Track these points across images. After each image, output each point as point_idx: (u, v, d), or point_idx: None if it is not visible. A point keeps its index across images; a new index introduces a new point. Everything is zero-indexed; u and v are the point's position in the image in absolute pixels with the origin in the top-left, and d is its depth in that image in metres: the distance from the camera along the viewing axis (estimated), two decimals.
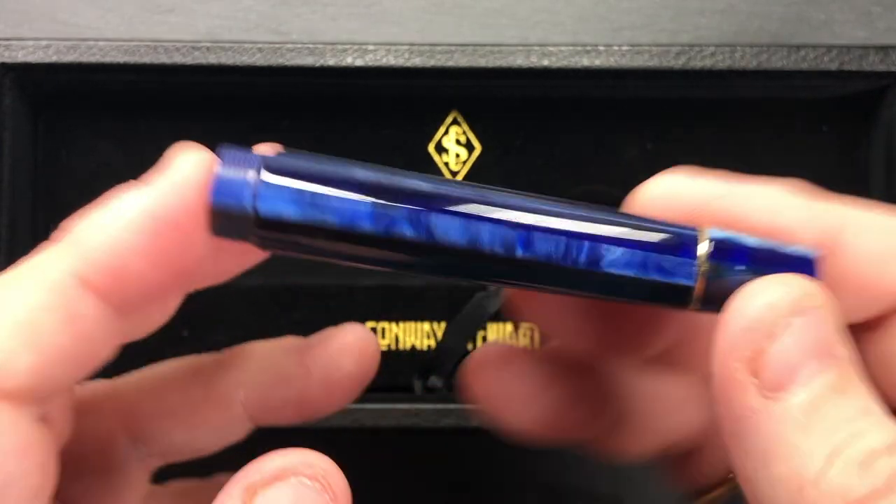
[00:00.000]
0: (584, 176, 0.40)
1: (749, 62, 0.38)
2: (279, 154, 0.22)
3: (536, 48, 0.37)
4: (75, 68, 0.37)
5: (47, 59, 0.37)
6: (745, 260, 0.22)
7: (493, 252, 0.21)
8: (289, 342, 0.28)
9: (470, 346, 0.40)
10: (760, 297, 0.20)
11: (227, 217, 0.21)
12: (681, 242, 0.22)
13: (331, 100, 0.39)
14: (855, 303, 0.23)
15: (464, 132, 0.40)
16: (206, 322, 0.39)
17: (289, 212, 0.21)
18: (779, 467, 0.19)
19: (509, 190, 0.22)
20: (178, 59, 0.37)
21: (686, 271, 0.22)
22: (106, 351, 0.22)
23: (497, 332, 0.40)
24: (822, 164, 0.40)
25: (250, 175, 0.21)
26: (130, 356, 0.39)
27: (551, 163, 0.40)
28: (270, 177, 0.21)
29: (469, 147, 0.40)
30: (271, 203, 0.21)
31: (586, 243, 0.22)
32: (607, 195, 0.40)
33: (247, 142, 0.39)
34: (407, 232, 0.21)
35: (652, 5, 0.46)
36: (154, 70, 0.37)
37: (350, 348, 0.27)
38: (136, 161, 0.40)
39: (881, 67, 0.38)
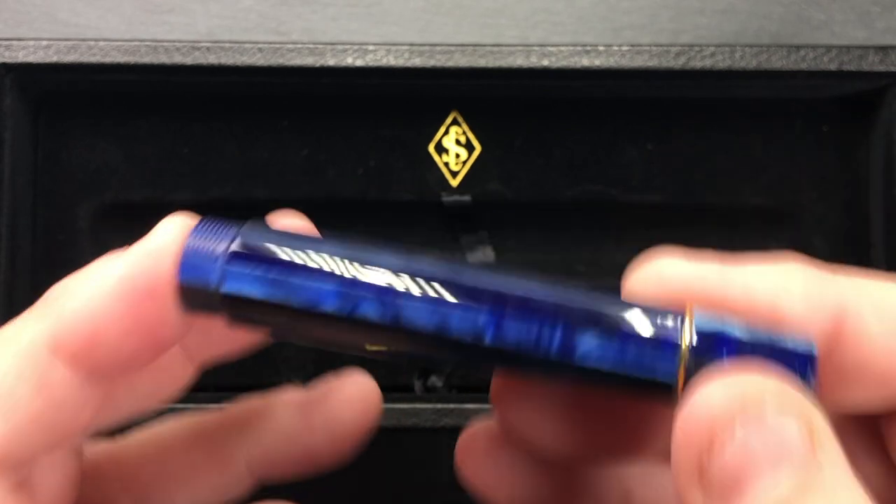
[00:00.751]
0: (583, 176, 0.40)
1: (749, 62, 0.38)
2: (251, 229, 0.21)
3: (536, 48, 0.37)
4: (76, 68, 0.37)
5: (48, 60, 0.37)
6: (733, 353, 0.19)
7: (460, 338, 0.20)
8: (291, 397, 0.28)
9: None
10: (702, 401, 0.18)
11: (193, 292, 0.21)
12: (662, 334, 0.20)
13: (331, 100, 0.39)
14: (867, 393, 0.21)
15: (464, 132, 0.40)
16: None
17: (253, 291, 0.21)
18: None
19: (482, 265, 0.22)
20: (178, 59, 0.37)
21: (666, 368, 0.19)
22: (84, 417, 0.22)
23: None
24: (821, 164, 0.40)
25: (218, 251, 0.21)
26: None
27: (551, 163, 0.40)
28: (236, 256, 0.21)
29: (469, 147, 0.40)
30: (236, 283, 0.21)
31: (558, 332, 0.20)
32: (607, 195, 0.40)
33: (247, 142, 0.40)
34: (372, 315, 0.20)
35: (652, 5, 0.46)
36: (154, 70, 0.37)
37: (352, 400, 0.27)
38: (137, 161, 0.40)
39: (881, 67, 0.38)
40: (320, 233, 0.22)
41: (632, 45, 0.38)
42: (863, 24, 0.46)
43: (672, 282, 0.21)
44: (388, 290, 0.20)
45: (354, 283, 0.21)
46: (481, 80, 0.38)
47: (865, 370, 0.20)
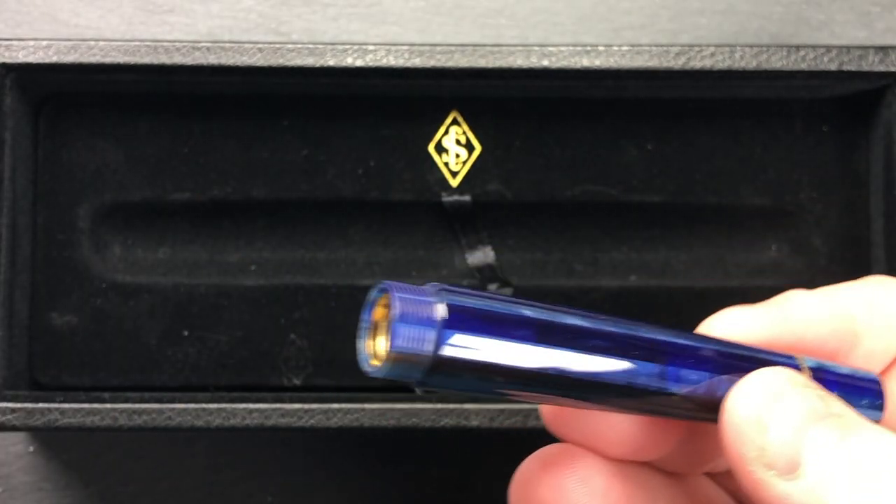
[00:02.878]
0: (583, 176, 0.40)
1: (749, 62, 0.38)
2: (453, 304, 0.21)
3: (536, 48, 0.37)
4: (76, 69, 0.37)
5: (48, 60, 0.37)
6: (835, 388, 0.24)
7: (646, 387, 0.22)
8: None
9: None
10: (741, 400, 0.22)
11: (404, 359, 0.21)
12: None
13: (331, 100, 0.39)
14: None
15: (464, 132, 0.40)
16: (206, 322, 0.39)
17: (468, 354, 0.21)
18: None
19: (651, 323, 0.23)
20: (178, 59, 0.37)
21: None
22: None
23: None
24: (821, 164, 0.40)
25: (434, 315, 0.21)
26: (132, 356, 0.39)
27: (551, 163, 0.40)
28: (453, 318, 0.21)
29: (469, 147, 0.40)
30: (451, 353, 0.21)
31: (724, 380, 0.23)
32: (607, 195, 0.40)
33: (247, 142, 0.40)
34: (575, 375, 0.22)
35: (652, 6, 0.46)
36: (154, 70, 0.37)
37: None
38: (137, 161, 0.40)
39: (880, 67, 0.38)
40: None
41: (632, 46, 0.38)
42: (863, 25, 0.46)
43: (739, 332, 0.24)
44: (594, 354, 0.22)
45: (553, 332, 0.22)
46: (481, 80, 0.38)
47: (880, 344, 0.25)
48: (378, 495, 0.44)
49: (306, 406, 0.36)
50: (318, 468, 0.44)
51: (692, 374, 0.23)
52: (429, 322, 0.20)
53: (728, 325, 0.24)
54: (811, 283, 0.40)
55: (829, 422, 0.21)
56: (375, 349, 0.21)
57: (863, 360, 0.26)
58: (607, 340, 0.22)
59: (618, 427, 0.24)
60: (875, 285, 0.26)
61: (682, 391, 0.23)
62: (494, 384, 0.21)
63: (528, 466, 0.25)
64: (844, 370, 0.25)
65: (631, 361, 0.22)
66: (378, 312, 0.21)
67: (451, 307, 0.21)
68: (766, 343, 0.24)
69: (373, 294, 0.21)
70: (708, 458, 0.26)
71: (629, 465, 0.25)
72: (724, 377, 0.23)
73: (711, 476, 0.27)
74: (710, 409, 0.23)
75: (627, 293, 0.40)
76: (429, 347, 0.20)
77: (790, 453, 0.21)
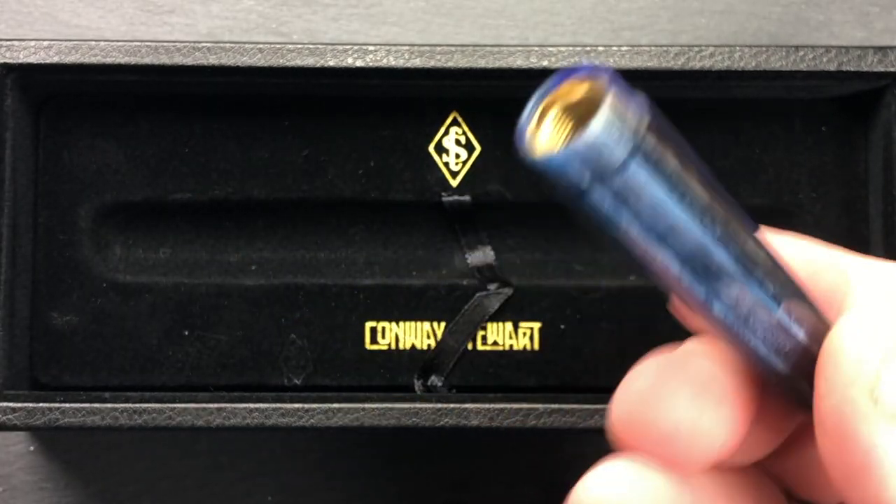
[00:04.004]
0: None
1: (748, 63, 0.38)
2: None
3: (536, 49, 0.38)
4: (76, 69, 0.37)
5: (48, 60, 0.37)
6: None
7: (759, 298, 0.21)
8: None
9: (470, 346, 0.40)
10: (871, 329, 0.21)
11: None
12: None
13: (331, 100, 0.40)
14: None
15: (464, 132, 0.40)
16: (206, 322, 0.39)
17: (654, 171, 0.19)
18: None
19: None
20: (178, 59, 0.37)
21: None
22: None
23: (497, 332, 0.40)
24: (820, 165, 0.40)
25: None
26: (132, 356, 0.39)
27: None
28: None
29: (469, 147, 0.40)
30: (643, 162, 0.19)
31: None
32: None
33: (247, 142, 0.40)
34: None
35: (651, 6, 0.46)
36: (155, 71, 0.37)
37: None
38: (137, 161, 0.40)
39: (880, 68, 0.38)
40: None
41: (631, 46, 0.38)
42: (862, 25, 0.46)
43: None
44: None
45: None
46: (481, 80, 0.38)
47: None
48: (378, 495, 0.44)
49: (306, 406, 0.36)
50: (318, 468, 0.44)
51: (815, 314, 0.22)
52: (635, 126, 0.18)
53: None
54: None
55: None
56: (550, 134, 0.19)
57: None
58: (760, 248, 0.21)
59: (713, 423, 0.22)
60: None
61: (795, 325, 0.21)
62: (660, 223, 0.19)
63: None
64: None
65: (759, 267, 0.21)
66: (570, 91, 0.19)
67: (652, 124, 0.19)
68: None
69: (562, 73, 0.19)
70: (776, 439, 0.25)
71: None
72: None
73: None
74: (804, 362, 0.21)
75: (627, 293, 0.40)
76: (622, 153, 0.18)
77: None
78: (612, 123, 0.18)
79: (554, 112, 0.19)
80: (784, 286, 0.21)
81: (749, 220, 0.21)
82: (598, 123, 0.18)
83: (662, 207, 0.19)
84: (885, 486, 0.19)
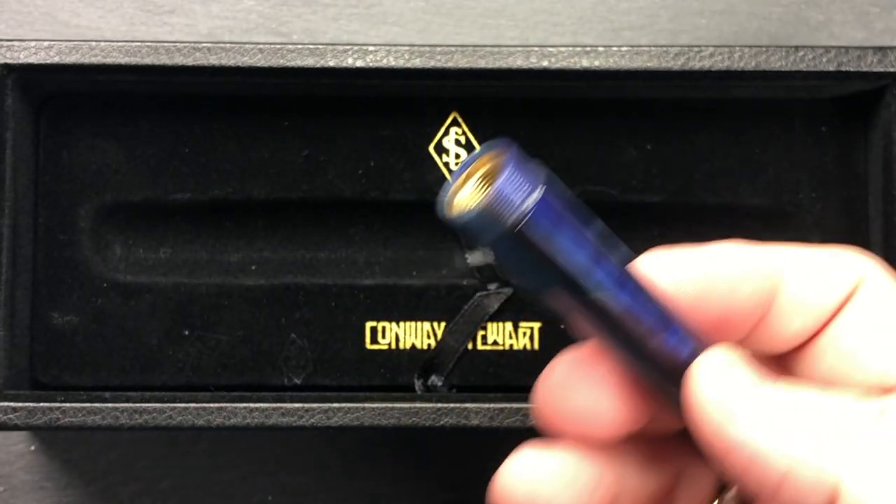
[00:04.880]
0: (583, 176, 0.40)
1: (748, 63, 0.38)
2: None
3: (536, 49, 0.38)
4: (77, 69, 0.37)
5: (49, 60, 0.37)
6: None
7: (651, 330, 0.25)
8: None
9: (470, 346, 0.40)
10: (710, 360, 0.25)
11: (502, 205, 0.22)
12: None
13: (331, 100, 0.40)
14: (801, 328, 0.27)
15: (464, 133, 0.40)
16: (206, 322, 0.39)
17: (551, 230, 0.23)
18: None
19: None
20: (179, 60, 0.37)
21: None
22: None
23: (497, 332, 0.40)
24: (820, 165, 0.40)
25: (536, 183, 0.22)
26: (133, 356, 0.39)
27: (551, 163, 0.40)
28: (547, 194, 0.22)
29: (469, 147, 0.40)
30: (537, 222, 0.22)
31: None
32: (607, 195, 0.40)
33: (247, 142, 0.40)
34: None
35: (651, 6, 0.46)
36: (155, 71, 0.37)
37: None
38: (137, 161, 0.40)
39: (879, 68, 0.38)
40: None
41: (631, 46, 0.38)
42: (861, 25, 0.46)
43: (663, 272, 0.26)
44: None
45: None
46: (481, 80, 0.38)
47: (800, 305, 0.26)
48: (378, 495, 0.45)
49: (306, 406, 0.36)
50: (318, 468, 0.44)
51: (684, 339, 0.25)
52: (531, 187, 0.22)
53: (656, 266, 0.26)
54: None
55: (776, 384, 0.25)
56: (462, 197, 0.22)
57: (776, 328, 0.27)
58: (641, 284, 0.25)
59: (604, 403, 0.26)
60: (821, 257, 0.27)
61: (669, 348, 0.25)
62: (546, 274, 0.23)
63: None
64: None
65: (650, 304, 0.25)
66: (484, 162, 0.22)
67: (548, 187, 0.22)
68: (691, 291, 0.26)
69: (488, 145, 0.23)
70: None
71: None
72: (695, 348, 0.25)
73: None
74: (677, 372, 0.25)
75: None
76: (520, 210, 0.22)
77: (749, 399, 0.25)
78: (507, 189, 0.22)
79: (472, 180, 0.22)
80: (650, 314, 0.25)
81: (629, 256, 0.25)
82: (494, 190, 0.21)
83: (555, 254, 0.23)
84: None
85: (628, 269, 0.25)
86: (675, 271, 0.26)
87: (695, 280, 0.26)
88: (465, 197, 0.22)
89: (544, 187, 0.22)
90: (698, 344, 0.26)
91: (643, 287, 0.25)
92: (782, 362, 0.28)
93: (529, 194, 0.22)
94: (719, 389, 0.25)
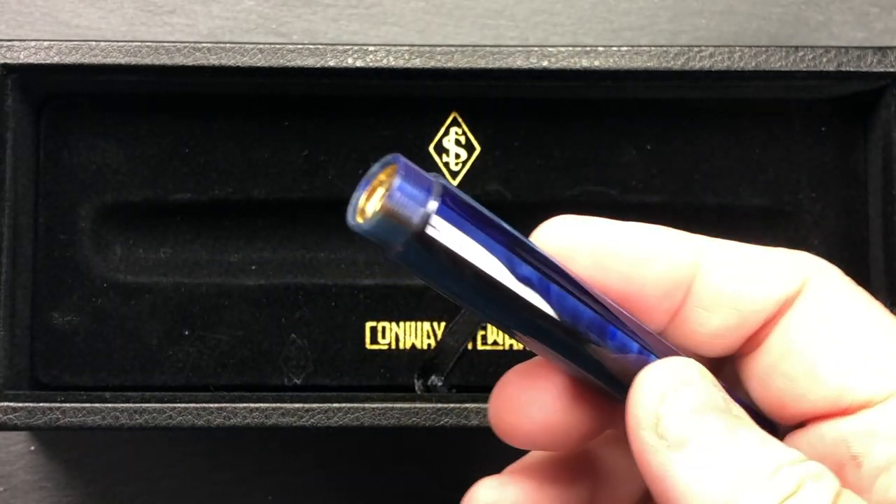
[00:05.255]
0: (583, 176, 0.40)
1: (747, 63, 0.38)
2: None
3: (536, 49, 0.38)
4: (77, 69, 0.37)
5: (49, 60, 0.37)
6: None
7: (587, 334, 0.24)
8: None
9: (470, 346, 0.40)
10: (654, 373, 0.24)
11: (400, 215, 0.22)
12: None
13: (331, 100, 0.40)
14: (722, 326, 0.25)
15: (463, 133, 0.40)
16: (206, 322, 0.39)
17: (454, 236, 0.22)
18: None
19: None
20: (179, 60, 0.37)
21: None
22: None
23: (497, 332, 0.40)
24: (820, 165, 0.40)
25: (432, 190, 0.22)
26: (133, 356, 0.39)
27: (551, 163, 0.40)
28: (446, 201, 0.22)
29: (469, 147, 0.40)
30: (438, 226, 0.22)
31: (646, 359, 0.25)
32: (607, 195, 0.40)
33: (247, 142, 0.40)
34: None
35: (651, 6, 0.46)
36: (155, 71, 0.37)
37: None
38: (137, 161, 0.40)
39: (879, 68, 0.38)
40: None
41: (631, 46, 0.38)
42: (861, 25, 0.46)
43: (569, 239, 0.25)
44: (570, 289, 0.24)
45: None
46: (481, 80, 0.38)
47: (720, 298, 0.25)
48: (378, 495, 0.45)
49: (306, 406, 0.36)
50: (318, 468, 0.44)
51: (627, 342, 0.24)
52: (428, 191, 0.22)
53: (555, 230, 0.25)
54: None
55: (724, 416, 0.23)
56: (367, 206, 0.22)
57: (694, 323, 0.25)
58: (570, 284, 0.24)
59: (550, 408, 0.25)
60: (750, 253, 0.26)
61: (613, 353, 0.24)
62: (463, 278, 0.22)
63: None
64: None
65: (581, 305, 0.24)
66: (381, 176, 0.22)
67: (447, 190, 0.22)
68: (586, 260, 0.25)
69: (381, 161, 0.22)
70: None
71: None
72: (650, 356, 0.25)
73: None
74: (626, 378, 0.24)
75: None
76: (421, 212, 0.21)
77: (683, 429, 0.23)
78: (406, 193, 0.22)
79: (378, 192, 0.22)
80: (582, 315, 0.24)
81: (550, 263, 0.24)
82: (393, 195, 0.21)
83: (465, 257, 0.22)
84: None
85: (550, 268, 0.24)
86: (573, 237, 0.25)
87: (592, 250, 0.25)
88: (369, 207, 0.22)
89: (442, 191, 0.22)
90: (644, 348, 0.24)
91: (571, 285, 0.24)
92: (740, 366, 0.26)
93: (428, 198, 0.22)
94: (661, 410, 0.23)
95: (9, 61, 0.37)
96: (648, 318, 0.25)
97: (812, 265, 0.25)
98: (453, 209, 0.22)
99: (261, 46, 0.37)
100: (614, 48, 0.38)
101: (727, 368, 0.27)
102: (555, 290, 0.23)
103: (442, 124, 0.40)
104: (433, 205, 0.22)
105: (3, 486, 0.44)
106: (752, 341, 0.26)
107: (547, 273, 0.23)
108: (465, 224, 0.22)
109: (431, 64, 0.37)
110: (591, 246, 0.25)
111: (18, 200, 0.38)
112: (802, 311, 0.25)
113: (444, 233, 0.22)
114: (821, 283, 0.25)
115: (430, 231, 0.22)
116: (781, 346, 0.25)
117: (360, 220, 0.22)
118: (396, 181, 0.21)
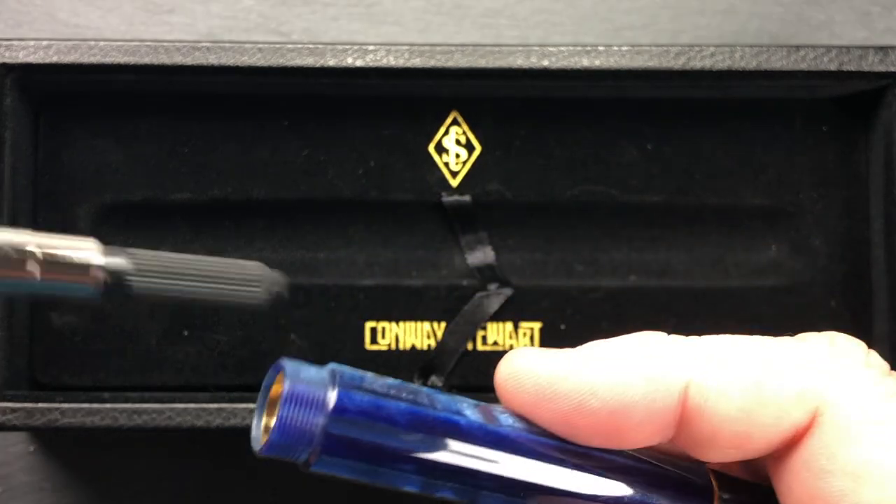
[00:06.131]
0: (583, 176, 0.40)
1: (749, 62, 0.38)
2: (342, 412, 0.21)
3: (536, 49, 0.38)
4: (76, 69, 0.37)
5: (48, 60, 0.37)
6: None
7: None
8: None
9: (470, 346, 0.40)
10: None
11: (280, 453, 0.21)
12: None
13: (331, 100, 0.40)
14: (724, 455, 0.23)
15: (464, 132, 0.40)
16: (207, 322, 0.39)
17: (342, 472, 0.22)
18: None
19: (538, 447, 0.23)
20: (178, 59, 0.37)
21: None
22: None
23: (497, 332, 0.40)
24: (821, 165, 0.40)
25: (314, 430, 0.21)
26: (132, 356, 0.39)
27: (551, 163, 0.40)
28: (329, 442, 0.21)
29: (469, 147, 0.40)
30: (325, 465, 0.22)
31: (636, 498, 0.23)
32: (607, 195, 0.40)
33: (247, 142, 0.40)
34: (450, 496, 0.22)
35: (652, 6, 0.46)
36: (155, 70, 0.37)
37: None
38: (137, 161, 0.40)
39: (880, 68, 0.38)
40: None
41: (632, 46, 0.38)
42: (862, 25, 0.46)
43: (531, 377, 0.23)
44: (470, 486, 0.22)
45: (436, 479, 0.22)
46: (481, 80, 0.38)
47: (717, 439, 0.23)
48: (378, 495, 0.44)
49: None
50: None
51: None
52: (317, 409, 0.21)
53: (520, 373, 0.24)
54: (811, 282, 0.40)
55: None
56: (264, 427, 0.21)
57: (699, 435, 0.23)
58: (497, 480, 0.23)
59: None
60: (723, 347, 0.24)
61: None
62: (379, 474, 0.22)
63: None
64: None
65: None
66: (274, 390, 0.22)
67: (340, 396, 0.21)
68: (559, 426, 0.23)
69: (271, 372, 0.22)
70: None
71: None
72: (635, 496, 0.23)
73: None
74: None
75: (627, 293, 0.40)
76: (314, 432, 0.21)
77: None
78: (290, 415, 0.21)
79: (276, 408, 0.21)
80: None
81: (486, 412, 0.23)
82: (280, 418, 0.20)
83: (369, 460, 0.22)
84: None
85: (468, 475, 0.22)
86: (532, 393, 0.23)
87: (556, 408, 0.23)
88: (266, 426, 0.21)
89: (337, 391, 0.21)
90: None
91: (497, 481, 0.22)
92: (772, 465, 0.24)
93: (321, 408, 0.20)
94: None
95: (7, 61, 0.37)
96: (637, 445, 0.23)
97: (826, 391, 0.23)
98: (352, 411, 0.21)
99: (260, 46, 0.37)
100: (615, 48, 0.38)
101: None
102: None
103: (442, 124, 0.40)
104: (319, 436, 0.20)
105: (3, 486, 0.44)
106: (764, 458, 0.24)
107: (465, 481, 0.22)
108: (369, 422, 0.21)
109: (431, 63, 0.37)
110: (554, 406, 0.23)
111: (17, 200, 0.38)
112: (817, 441, 0.23)
113: (345, 442, 0.21)
114: (834, 414, 0.23)
115: (318, 468, 0.21)
116: (802, 461, 0.23)
117: (258, 445, 0.21)
118: (288, 395, 0.21)
